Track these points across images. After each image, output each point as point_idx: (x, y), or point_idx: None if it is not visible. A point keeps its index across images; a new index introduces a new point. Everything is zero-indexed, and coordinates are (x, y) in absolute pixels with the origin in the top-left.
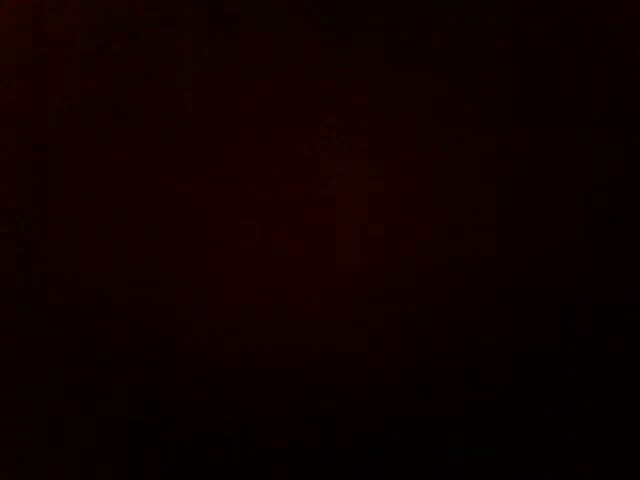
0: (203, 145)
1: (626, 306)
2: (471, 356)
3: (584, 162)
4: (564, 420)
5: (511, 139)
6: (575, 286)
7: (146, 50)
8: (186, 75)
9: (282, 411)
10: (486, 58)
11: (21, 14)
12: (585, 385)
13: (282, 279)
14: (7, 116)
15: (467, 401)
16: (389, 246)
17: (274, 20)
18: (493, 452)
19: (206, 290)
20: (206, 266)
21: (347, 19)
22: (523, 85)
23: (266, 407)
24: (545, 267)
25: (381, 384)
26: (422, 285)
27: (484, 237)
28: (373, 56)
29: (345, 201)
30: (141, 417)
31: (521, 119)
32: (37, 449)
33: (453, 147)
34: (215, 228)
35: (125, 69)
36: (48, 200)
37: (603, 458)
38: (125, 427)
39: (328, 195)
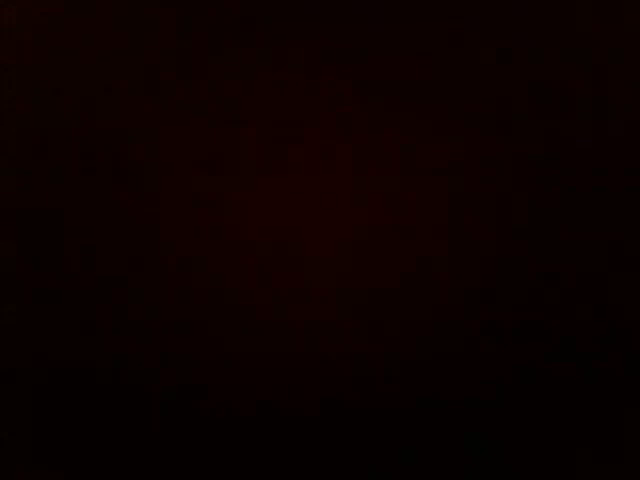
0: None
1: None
2: (466, 357)
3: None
4: (563, 422)
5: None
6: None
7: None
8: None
9: (280, 411)
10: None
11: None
12: (583, 383)
13: (279, 279)
14: (20, 113)
15: (465, 400)
16: (378, 248)
17: (266, 35)
18: (492, 450)
19: (207, 290)
20: (208, 267)
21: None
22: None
23: (263, 407)
24: (539, 271)
25: (373, 384)
26: (411, 283)
27: (472, 236)
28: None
29: (336, 205)
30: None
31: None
32: (38, 445)
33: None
34: (216, 229)
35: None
36: (62, 199)
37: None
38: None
39: (322, 198)
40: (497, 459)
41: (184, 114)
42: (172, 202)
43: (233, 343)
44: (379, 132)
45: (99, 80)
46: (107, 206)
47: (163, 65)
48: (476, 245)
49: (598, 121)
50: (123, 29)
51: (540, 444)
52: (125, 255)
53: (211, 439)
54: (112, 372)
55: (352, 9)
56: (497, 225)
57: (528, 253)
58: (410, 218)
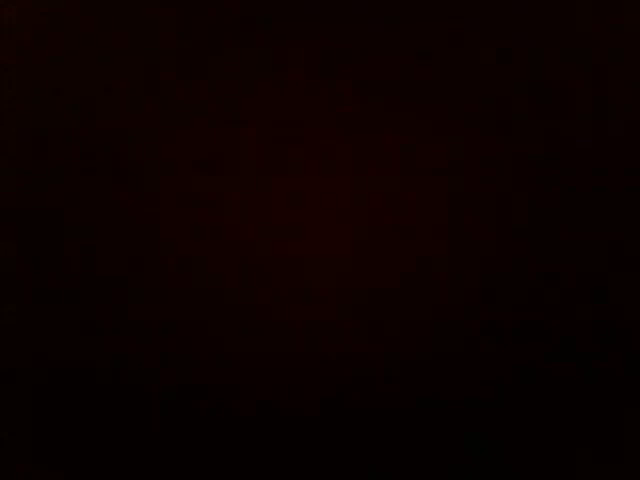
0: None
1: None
2: (464, 358)
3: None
4: (563, 422)
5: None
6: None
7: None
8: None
9: (279, 412)
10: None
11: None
12: (583, 384)
13: (279, 280)
14: (16, 113)
15: (465, 400)
16: (376, 248)
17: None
18: (492, 450)
19: (207, 290)
20: (208, 267)
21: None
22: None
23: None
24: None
25: (372, 384)
26: (410, 283)
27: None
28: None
29: (336, 206)
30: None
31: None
32: (38, 445)
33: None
34: (216, 229)
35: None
36: (63, 201)
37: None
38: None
39: (321, 199)
40: (497, 459)
41: (184, 114)
42: (172, 202)
43: (233, 343)
44: (379, 132)
45: (99, 80)
46: (107, 206)
47: (163, 65)
48: (476, 245)
49: (598, 121)
50: (123, 29)
51: (540, 444)
52: (125, 255)
53: (211, 439)
54: (112, 372)
55: (352, 9)
56: (497, 225)
57: (528, 253)
58: (410, 218)
